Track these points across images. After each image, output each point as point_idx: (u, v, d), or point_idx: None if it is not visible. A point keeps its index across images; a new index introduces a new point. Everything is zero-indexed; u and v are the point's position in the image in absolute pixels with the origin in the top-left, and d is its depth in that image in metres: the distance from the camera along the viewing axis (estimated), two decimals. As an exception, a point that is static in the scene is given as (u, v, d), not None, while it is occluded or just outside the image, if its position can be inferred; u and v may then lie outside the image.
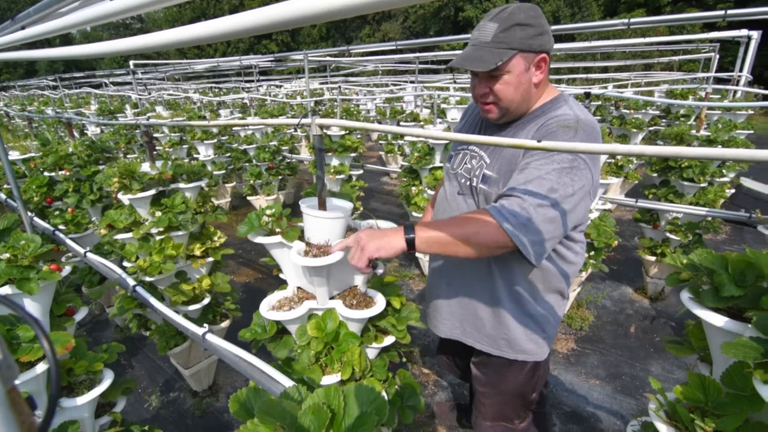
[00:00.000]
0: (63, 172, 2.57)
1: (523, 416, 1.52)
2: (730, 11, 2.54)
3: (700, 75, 6.55)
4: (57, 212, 2.58)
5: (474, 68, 1.09)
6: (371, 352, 1.36)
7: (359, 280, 1.36)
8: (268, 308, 1.28)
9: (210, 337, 1.40)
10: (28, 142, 3.25)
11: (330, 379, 1.19)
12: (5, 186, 2.87)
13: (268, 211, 1.31)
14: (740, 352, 0.69)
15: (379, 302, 1.29)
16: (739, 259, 0.83)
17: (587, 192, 1.10)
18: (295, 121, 1.25)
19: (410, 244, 1.06)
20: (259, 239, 1.29)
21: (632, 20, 2.77)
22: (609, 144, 0.84)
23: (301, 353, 1.21)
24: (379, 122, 7.36)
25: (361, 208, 3.47)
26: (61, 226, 2.50)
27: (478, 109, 1.33)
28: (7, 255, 1.20)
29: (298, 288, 1.40)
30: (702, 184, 2.77)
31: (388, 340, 1.35)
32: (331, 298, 1.33)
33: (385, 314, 1.35)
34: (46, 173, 2.62)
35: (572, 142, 1.07)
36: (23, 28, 1.33)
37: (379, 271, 1.35)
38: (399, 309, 1.36)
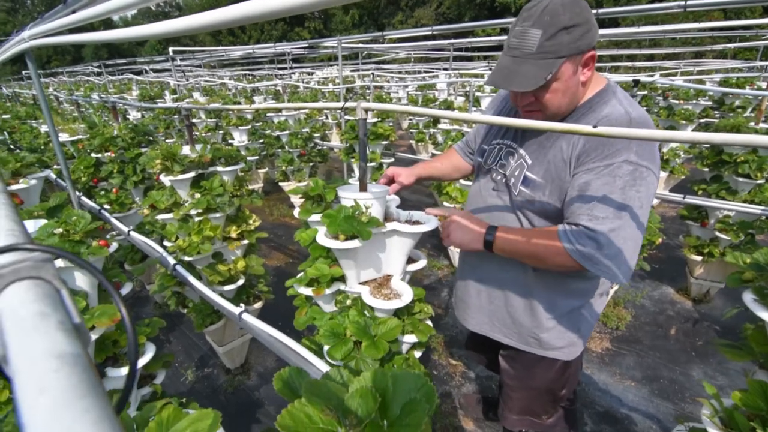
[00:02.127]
0: (108, 153, 2.68)
1: (551, 412, 1.49)
2: (802, -9, 2.32)
3: (759, 63, 6.08)
4: (102, 192, 2.70)
5: (521, 88, 1.01)
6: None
7: (398, 270, 1.35)
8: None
9: (246, 316, 1.43)
10: (76, 125, 3.41)
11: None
12: (55, 166, 3.03)
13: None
14: (817, 359, 0.63)
15: (406, 295, 1.27)
16: (816, 260, 0.76)
17: (652, 195, 1.04)
18: (340, 104, 1.24)
19: (487, 245, 1.14)
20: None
21: (689, 2, 2.57)
22: (672, 131, 0.78)
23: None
24: (411, 110, 7.27)
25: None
26: (106, 206, 2.62)
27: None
28: (60, 230, 1.26)
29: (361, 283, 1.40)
30: (759, 181, 2.58)
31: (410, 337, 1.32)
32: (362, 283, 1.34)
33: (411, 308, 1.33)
34: (93, 155, 2.74)
35: (628, 147, 1.01)
36: (74, 12, 1.38)
37: (420, 265, 1.36)
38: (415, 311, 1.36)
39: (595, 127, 0.82)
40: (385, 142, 3.98)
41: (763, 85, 4.80)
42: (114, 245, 1.39)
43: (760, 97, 3.63)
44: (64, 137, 3.07)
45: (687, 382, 2.32)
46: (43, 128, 3.83)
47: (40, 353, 0.15)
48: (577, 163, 1.06)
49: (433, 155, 3.84)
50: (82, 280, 1.24)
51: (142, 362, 1.38)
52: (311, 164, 4.83)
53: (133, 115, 6.73)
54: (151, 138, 2.97)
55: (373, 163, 3.94)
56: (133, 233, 2.06)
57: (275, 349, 1.31)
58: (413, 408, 0.45)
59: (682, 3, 2.57)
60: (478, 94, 5.56)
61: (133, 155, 2.66)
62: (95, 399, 0.14)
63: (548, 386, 1.41)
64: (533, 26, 0.98)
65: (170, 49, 7.42)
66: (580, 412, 2.14)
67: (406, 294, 1.25)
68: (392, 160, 4.16)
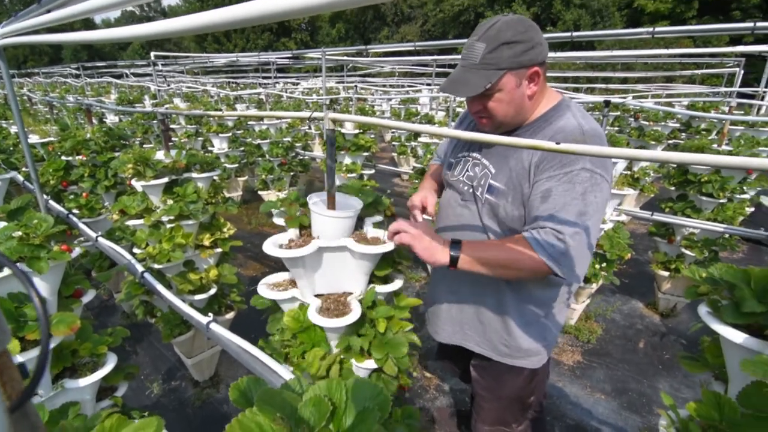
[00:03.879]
0: (80, 157, 2.61)
1: (521, 420, 1.52)
2: (759, 23, 2.47)
3: (723, 89, 6.41)
4: (72, 196, 2.62)
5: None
6: (361, 372, 1.30)
7: (357, 287, 1.33)
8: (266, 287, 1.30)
9: (214, 326, 1.40)
10: (48, 127, 3.31)
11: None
12: (24, 169, 2.93)
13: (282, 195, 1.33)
14: (760, 370, 0.66)
15: (354, 312, 1.22)
16: (762, 275, 0.79)
17: (605, 201, 1.12)
18: (307, 114, 1.25)
19: (453, 261, 1.12)
20: (287, 253, 1.21)
21: (657, 29, 2.72)
22: (628, 149, 0.82)
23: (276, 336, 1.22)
24: (393, 123, 7.34)
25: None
26: (75, 210, 2.53)
27: None
28: (20, 233, 1.21)
29: (317, 295, 1.39)
30: (721, 200, 2.70)
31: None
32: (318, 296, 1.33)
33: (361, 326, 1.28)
34: (63, 157, 2.66)
35: (587, 158, 1.07)
36: (48, 11, 1.35)
37: (395, 287, 1.34)
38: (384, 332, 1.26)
39: (558, 143, 0.85)
40: (366, 154, 4.01)
41: (726, 109, 5.06)
42: (77, 250, 1.35)
43: (723, 121, 3.82)
44: (34, 139, 2.97)
45: (654, 395, 2.37)
46: (13, 129, 3.70)
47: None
48: (537, 170, 1.12)
49: (414, 168, 3.88)
50: (40, 286, 1.20)
51: (101, 373, 1.32)
52: (292, 173, 4.81)
53: (111, 119, 6.58)
54: (125, 142, 2.90)
55: (354, 174, 3.95)
56: (101, 239, 2.00)
57: (243, 361, 1.29)
58: (365, 417, 0.45)
59: (651, 30, 2.71)
60: (459, 109, 5.67)
61: (106, 159, 2.60)
62: None
63: (517, 394, 1.44)
64: (479, 40, 1.07)
65: (152, 53, 7.32)
66: (551, 424, 2.16)
67: (351, 313, 1.22)
68: (373, 171, 4.18)
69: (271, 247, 1.23)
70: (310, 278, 1.30)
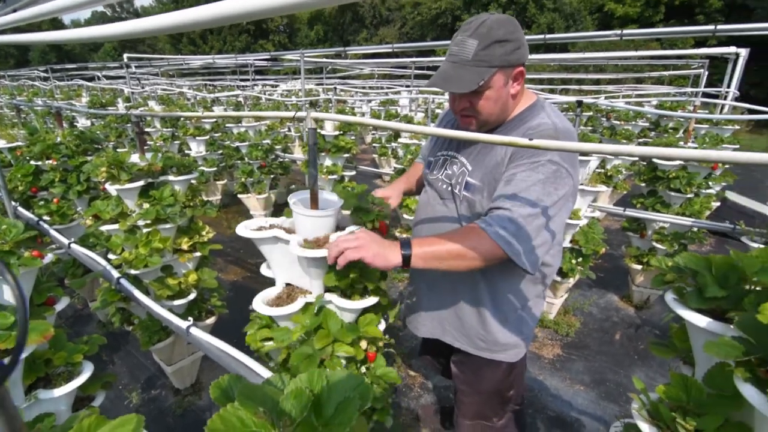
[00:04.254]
0: (50, 161, 2.52)
1: (501, 414, 1.55)
2: (720, 26, 2.60)
3: (689, 90, 6.68)
4: (42, 202, 2.53)
5: (456, 90, 1.10)
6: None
7: (313, 288, 1.31)
8: (264, 305, 1.27)
9: (194, 330, 1.38)
10: (16, 131, 3.19)
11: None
12: (-11, 174, 2.81)
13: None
14: (722, 351, 0.70)
15: (290, 306, 1.23)
16: (722, 261, 0.84)
17: (569, 197, 1.15)
18: (291, 113, 1.25)
19: (406, 260, 1.08)
20: (249, 234, 1.27)
21: (624, 31, 2.83)
22: (597, 144, 0.85)
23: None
24: (374, 125, 7.36)
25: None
26: (45, 217, 2.45)
27: (454, 115, 1.36)
28: (-12, 240, 1.17)
29: (287, 284, 1.39)
30: (688, 195, 2.81)
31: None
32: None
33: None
34: (32, 162, 2.57)
35: (554, 154, 1.10)
36: (15, 11, 1.31)
37: (369, 302, 1.26)
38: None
39: (531, 139, 0.88)
40: (346, 155, 4.00)
41: (692, 108, 5.28)
42: (49, 256, 1.31)
43: (689, 120, 3.99)
44: (1, 143, 2.85)
45: (630, 384, 2.45)
46: (-24, 134, 3.54)
47: None
48: (509, 161, 1.15)
49: (395, 169, 3.91)
50: (10, 294, 1.16)
51: (77, 382, 1.28)
52: (272, 176, 4.76)
53: (82, 122, 6.37)
54: (98, 146, 2.82)
55: (335, 176, 3.95)
56: (74, 246, 1.94)
57: (225, 365, 1.27)
58: (346, 406, 0.46)
59: (619, 32, 2.81)
60: (438, 111, 5.74)
61: (78, 163, 2.52)
62: None
63: (496, 388, 1.47)
64: (471, 36, 1.08)
65: (125, 55, 7.14)
66: (533, 417, 2.20)
67: (292, 305, 1.23)
68: (354, 173, 4.18)
69: (242, 228, 1.28)
70: (278, 266, 1.33)
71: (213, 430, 0.45)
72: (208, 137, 4.91)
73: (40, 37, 1.25)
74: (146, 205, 1.85)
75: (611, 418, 2.21)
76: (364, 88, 11.96)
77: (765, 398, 0.66)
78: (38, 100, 6.58)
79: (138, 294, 1.60)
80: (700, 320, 0.82)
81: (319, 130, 3.98)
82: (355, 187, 1.60)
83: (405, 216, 3.46)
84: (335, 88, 5.90)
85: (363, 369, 1.28)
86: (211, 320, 2.23)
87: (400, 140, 5.13)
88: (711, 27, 2.65)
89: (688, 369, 1.00)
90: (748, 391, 0.67)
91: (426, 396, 2.38)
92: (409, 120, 5.75)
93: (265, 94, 8.88)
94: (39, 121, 2.97)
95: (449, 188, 1.31)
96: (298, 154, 6.89)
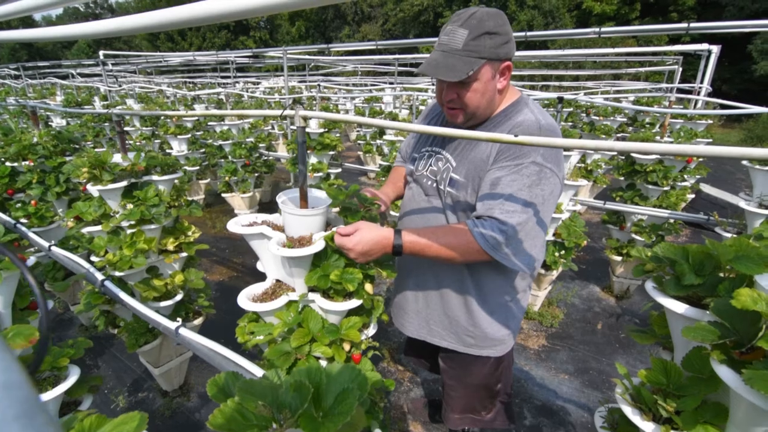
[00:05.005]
0: (27, 162, 2.45)
1: (489, 407, 1.58)
2: (693, 24, 2.69)
3: (664, 86, 6.88)
4: (19, 204, 2.45)
5: (446, 78, 1.10)
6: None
7: (296, 286, 1.31)
8: (248, 300, 1.27)
9: (183, 331, 1.37)
10: (-13, 131, 3.08)
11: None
12: (-39, 176, 2.70)
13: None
14: (699, 335, 0.74)
15: (270, 303, 1.25)
16: (698, 250, 0.88)
17: (555, 196, 1.18)
18: (278, 111, 1.24)
19: (397, 251, 1.13)
20: (239, 230, 1.27)
21: (602, 29, 2.90)
22: (579, 140, 0.88)
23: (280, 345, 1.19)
24: (358, 122, 7.35)
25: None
26: (23, 219, 2.38)
27: (440, 110, 1.37)
28: (-34, 244, 1.13)
29: (276, 280, 1.39)
30: (665, 188, 2.91)
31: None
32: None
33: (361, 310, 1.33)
34: (8, 163, 2.48)
35: (537, 150, 1.13)
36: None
37: (339, 306, 1.27)
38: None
39: (516, 136, 0.91)
40: (332, 153, 3.99)
41: (667, 104, 5.44)
42: (32, 259, 1.28)
43: (664, 115, 4.11)
44: (-29, 145, 2.75)
45: (613, 371, 2.53)
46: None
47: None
48: (494, 160, 1.17)
49: (381, 166, 3.92)
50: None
51: (64, 387, 1.26)
52: (256, 175, 4.72)
53: (57, 122, 6.17)
54: (77, 146, 2.75)
55: (320, 173, 3.93)
56: (54, 248, 1.89)
57: (216, 364, 1.27)
58: (345, 397, 0.47)
59: (597, 30, 2.88)
60: (422, 107, 5.76)
61: (56, 164, 2.45)
62: (4, 353, 0.14)
63: (484, 382, 1.49)
64: (461, 26, 1.09)
65: (101, 52, 6.94)
66: (519, 406, 2.26)
67: (274, 302, 1.24)
68: (339, 170, 4.17)
69: (233, 224, 1.29)
70: (267, 262, 1.33)
71: (214, 425, 0.46)
72: (189, 136, 4.83)
73: (10, 35, 1.22)
74: (130, 206, 1.82)
75: (595, 405, 2.28)
76: (347, 85, 11.92)
77: (739, 378, 0.70)
78: (10, 99, 6.35)
79: (124, 296, 1.58)
80: (678, 307, 0.86)
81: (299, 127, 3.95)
82: (345, 186, 1.59)
83: (391, 213, 3.47)
84: (319, 85, 5.86)
85: None
86: (198, 321, 2.21)
87: (385, 137, 5.14)
88: (684, 25, 2.74)
89: (667, 354, 1.05)
90: (724, 372, 0.71)
91: (415, 390, 2.41)
92: (394, 117, 5.77)
93: (247, 91, 8.77)
94: (13, 121, 2.87)
95: (434, 184, 1.32)
96: (283, 152, 6.83)
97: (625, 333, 2.89)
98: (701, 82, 4.70)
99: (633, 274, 0.95)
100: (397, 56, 7.46)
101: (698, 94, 4.71)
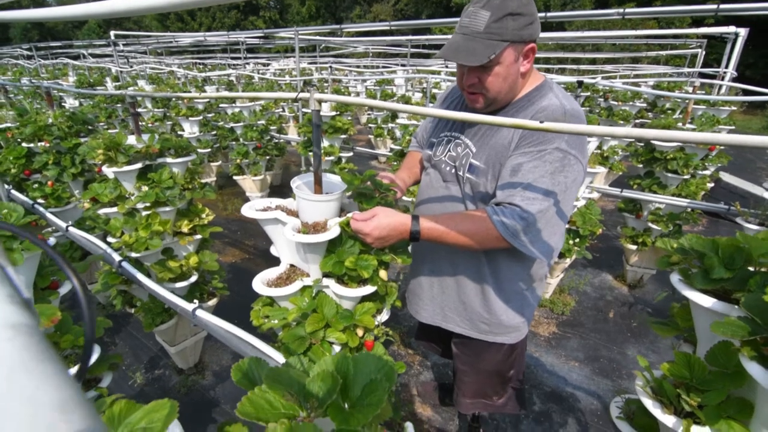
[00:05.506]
0: (42, 143, 2.46)
1: (501, 393, 1.59)
2: (722, 5, 2.57)
3: (686, 70, 6.65)
4: (36, 185, 2.49)
5: (467, 62, 1.06)
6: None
7: (311, 272, 1.31)
8: (262, 284, 1.27)
9: (200, 312, 1.38)
10: (4, 112, 3.10)
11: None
12: (-21, 157, 2.74)
13: None
14: (729, 330, 0.72)
15: (283, 288, 1.26)
16: (729, 243, 0.85)
17: (578, 183, 1.14)
18: (293, 94, 1.22)
19: (414, 237, 1.13)
20: (253, 214, 1.27)
21: (627, 10, 2.78)
22: (607, 127, 0.85)
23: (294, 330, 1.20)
24: (369, 105, 7.28)
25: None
26: (40, 200, 2.41)
27: (459, 94, 1.33)
28: (-12, 224, 1.15)
29: (290, 265, 1.39)
30: (685, 176, 2.83)
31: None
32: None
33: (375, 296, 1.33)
34: (24, 144, 2.51)
35: (561, 136, 1.09)
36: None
37: (354, 292, 1.25)
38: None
39: (542, 122, 0.88)
40: (343, 136, 3.97)
41: (690, 89, 5.27)
42: (52, 240, 1.29)
43: (686, 101, 3.98)
44: (-12, 125, 2.78)
45: (623, 360, 2.52)
46: (-38, 114, 3.44)
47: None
48: (516, 146, 1.14)
49: (392, 149, 3.87)
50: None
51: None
52: (267, 157, 4.71)
53: (70, 102, 6.20)
54: (90, 127, 2.76)
55: (331, 157, 3.91)
56: (72, 229, 1.92)
57: (232, 346, 1.28)
58: (374, 388, 0.46)
59: (621, 11, 2.77)
60: (434, 90, 5.66)
61: (71, 145, 2.46)
62: (54, 365, 0.14)
63: (497, 369, 1.50)
64: (483, 8, 1.05)
65: (112, 33, 6.90)
66: (529, 392, 2.27)
67: (289, 287, 1.24)
68: (351, 154, 4.15)
69: (247, 209, 1.29)
70: (282, 247, 1.33)
71: (243, 413, 0.46)
72: (201, 118, 4.82)
73: (21, 14, 1.21)
74: (145, 188, 1.83)
75: (605, 393, 2.28)
76: (358, 66, 11.76)
77: (769, 375, 0.68)
78: (24, 80, 6.38)
79: (141, 277, 1.60)
80: (706, 300, 0.84)
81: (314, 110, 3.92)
82: (359, 171, 1.58)
83: (404, 198, 3.45)
84: (330, 67, 5.77)
85: None
86: (212, 302, 2.24)
87: (398, 121, 5.07)
88: (713, 6, 2.61)
89: (688, 347, 1.03)
90: (754, 369, 0.69)
91: (425, 373, 2.43)
92: (407, 100, 5.68)
93: (257, 73, 8.69)
94: (28, 102, 2.88)
95: (453, 170, 1.29)
96: (293, 134, 6.81)
97: (638, 324, 2.87)
98: (726, 67, 4.53)
99: (658, 265, 0.93)
100: (410, 37, 7.30)
101: (722, 79, 4.55)
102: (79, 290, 0.25)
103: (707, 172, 3.12)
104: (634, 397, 1.03)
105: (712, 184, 4.62)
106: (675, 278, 0.93)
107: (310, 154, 3.80)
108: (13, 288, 0.18)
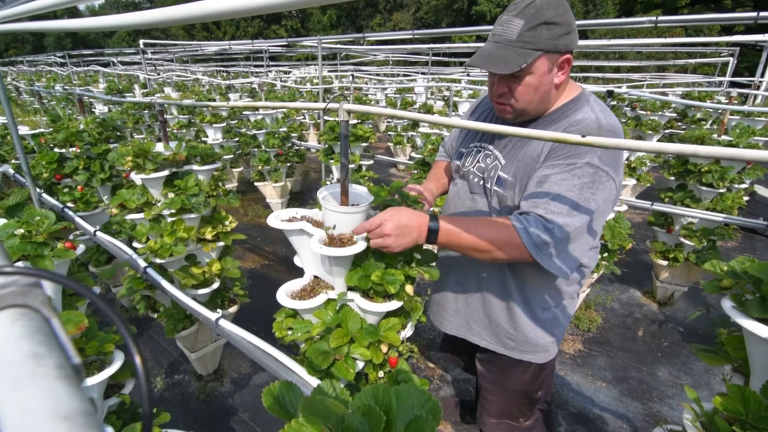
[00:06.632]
0: (73, 149, 2.53)
1: (528, 414, 1.51)
2: (762, 13, 2.46)
3: (717, 79, 6.44)
4: (66, 189, 2.55)
5: (497, 70, 1.03)
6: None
7: (336, 285, 1.28)
8: (286, 296, 1.25)
9: (223, 322, 1.37)
10: (38, 118, 3.21)
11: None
12: (14, 161, 2.84)
13: None
14: (795, 366, 0.66)
15: (309, 301, 1.22)
16: (789, 269, 0.79)
17: (610, 202, 1.09)
18: (323, 105, 1.21)
19: (432, 232, 1.07)
20: (279, 225, 1.25)
21: (660, 18, 2.69)
22: (652, 143, 0.80)
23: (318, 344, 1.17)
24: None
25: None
26: (69, 204, 2.47)
27: (491, 104, 1.29)
28: (22, 231, 1.17)
29: (314, 277, 1.37)
30: (721, 190, 2.71)
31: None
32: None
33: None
34: (56, 149, 2.58)
35: (593, 150, 1.04)
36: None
37: (380, 307, 1.21)
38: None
39: (584, 136, 0.83)
40: (364, 144, 3.96)
41: (722, 99, 5.08)
42: (81, 247, 1.31)
43: (721, 111, 3.84)
44: (24, 130, 2.87)
45: (654, 381, 2.41)
46: (1, 120, 3.58)
47: (42, 415, 0.12)
48: (545, 158, 1.10)
49: (412, 158, 3.85)
50: (46, 285, 1.16)
51: (109, 371, 1.29)
52: (288, 164, 4.75)
53: (99, 108, 6.41)
54: (119, 133, 2.83)
55: (352, 165, 3.91)
56: (99, 234, 1.95)
57: (253, 356, 1.27)
58: (419, 427, 0.43)
59: (654, 19, 2.68)
60: (455, 99, 5.62)
61: (101, 151, 2.52)
62: None
63: (524, 389, 1.43)
64: (517, 16, 1.02)
65: (141, 41, 7.13)
66: (555, 413, 2.18)
67: (313, 300, 1.21)
68: (371, 162, 4.14)
69: (273, 219, 1.28)
70: (306, 258, 1.31)
71: (280, 448, 0.43)
72: (224, 124, 4.90)
73: (57, 24, 1.24)
74: (171, 195, 1.85)
75: (635, 416, 2.18)
76: (378, 75, 11.83)
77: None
78: (57, 86, 6.63)
79: (165, 284, 1.60)
80: (764, 330, 0.78)
81: (336, 119, 3.93)
82: (382, 181, 1.56)
83: (432, 209, 3.41)
84: (352, 75, 5.81)
85: (381, 374, 1.27)
86: (233, 309, 2.24)
87: (419, 129, 5.05)
88: (753, 14, 2.51)
89: (739, 378, 0.96)
90: (827, 410, 0.63)
91: (445, 388, 2.37)
92: (428, 108, 5.66)
93: (279, 81, 8.83)
94: (60, 108, 2.97)
95: (481, 182, 1.26)
96: (313, 141, 6.86)
97: (669, 343, 2.75)
98: (762, 76, 4.35)
99: (706, 290, 0.87)
100: (430, 45, 7.30)
101: (758, 88, 4.37)
102: (139, 366, 0.23)
103: (744, 186, 2.98)
104: (677, 429, 0.96)
105: (747, 198, 4.43)
106: (728, 305, 0.86)
107: (331, 161, 3.81)
108: (62, 352, 0.16)
